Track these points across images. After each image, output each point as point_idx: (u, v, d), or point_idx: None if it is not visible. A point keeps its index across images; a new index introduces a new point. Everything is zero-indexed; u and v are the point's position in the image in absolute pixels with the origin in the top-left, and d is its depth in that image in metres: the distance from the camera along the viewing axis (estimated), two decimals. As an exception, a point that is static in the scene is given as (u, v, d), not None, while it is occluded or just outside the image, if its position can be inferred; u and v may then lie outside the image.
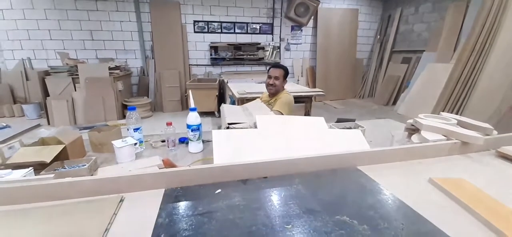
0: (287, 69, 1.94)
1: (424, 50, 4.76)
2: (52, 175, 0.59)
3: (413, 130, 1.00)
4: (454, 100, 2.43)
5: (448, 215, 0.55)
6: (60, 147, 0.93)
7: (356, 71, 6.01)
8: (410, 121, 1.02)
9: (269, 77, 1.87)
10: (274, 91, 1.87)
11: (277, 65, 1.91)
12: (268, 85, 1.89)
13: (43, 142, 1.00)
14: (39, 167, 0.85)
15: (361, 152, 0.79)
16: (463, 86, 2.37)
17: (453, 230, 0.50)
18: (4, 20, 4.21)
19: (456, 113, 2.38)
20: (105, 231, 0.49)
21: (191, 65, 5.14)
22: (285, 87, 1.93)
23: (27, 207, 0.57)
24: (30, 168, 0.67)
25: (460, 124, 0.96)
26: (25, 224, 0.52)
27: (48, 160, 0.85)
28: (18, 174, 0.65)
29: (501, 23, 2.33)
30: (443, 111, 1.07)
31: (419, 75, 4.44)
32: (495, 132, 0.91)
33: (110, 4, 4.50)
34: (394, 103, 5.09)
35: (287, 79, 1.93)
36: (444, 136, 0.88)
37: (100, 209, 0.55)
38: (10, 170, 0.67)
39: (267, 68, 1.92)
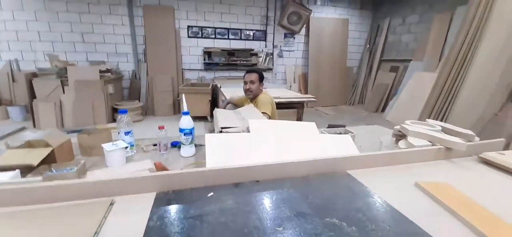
0: (262, 73, 2.02)
1: (411, 59, 4.93)
2: (40, 178, 0.58)
3: (400, 136, 1.04)
4: (439, 107, 2.53)
5: (433, 218, 0.58)
6: (48, 150, 0.91)
7: (346, 78, 6.15)
8: (397, 127, 1.06)
9: (245, 82, 1.95)
10: (252, 96, 1.94)
11: (251, 70, 1.99)
12: (246, 91, 1.96)
13: (29, 145, 0.98)
14: (26, 170, 0.83)
15: (350, 156, 0.81)
16: (447, 94, 2.47)
17: (437, 232, 0.52)
18: (-9, 20, 4.10)
19: (441, 120, 2.47)
20: (94, 234, 0.48)
21: (184, 69, 5.13)
22: (262, 89, 2.01)
23: (14, 210, 0.55)
24: (17, 170, 0.66)
25: (445, 130, 1.00)
26: (12, 227, 0.51)
27: (35, 163, 0.83)
28: (5, 176, 0.63)
29: (482, 34, 2.45)
30: (428, 118, 1.12)
31: (406, 83, 4.58)
32: (477, 138, 0.96)
33: (103, 8, 4.46)
34: (383, 110, 5.22)
35: (263, 82, 2.01)
36: (429, 141, 0.92)
37: (89, 213, 0.55)
38: (-5, 173, 0.65)
39: (243, 75, 2.01)
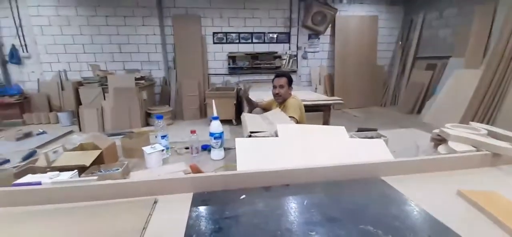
0: (290, 76, 2.00)
1: (450, 56, 4.53)
2: (96, 178, 0.65)
3: (440, 140, 0.98)
4: (485, 108, 2.28)
5: (479, 229, 0.54)
6: (98, 152, 1.02)
7: (377, 78, 5.84)
8: (436, 131, 0.99)
9: (274, 86, 1.95)
10: (281, 100, 1.94)
11: (280, 74, 1.98)
12: (275, 95, 1.96)
13: (81, 147, 1.10)
14: (79, 170, 0.94)
15: (384, 162, 0.78)
16: (493, 94, 2.23)
17: (484, 244, 0.48)
18: (43, 35, 4.66)
19: (487, 123, 2.24)
20: (143, 230, 0.54)
21: (210, 74, 5.31)
22: (291, 93, 1.99)
23: (75, 205, 0.64)
24: (75, 170, 0.75)
25: (491, 134, 0.92)
26: (74, 221, 0.58)
27: (88, 164, 0.94)
28: (65, 176, 0.72)
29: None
30: (472, 121, 1.03)
31: (445, 82, 4.22)
32: (531, 143, 0.86)
33: (137, 20, 4.82)
34: (419, 111, 4.86)
35: (292, 85, 1.99)
36: (474, 147, 0.85)
37: (137, 209, 0.61)
38: (57, 172, 0.75)
39: (272, 79, 2.01)
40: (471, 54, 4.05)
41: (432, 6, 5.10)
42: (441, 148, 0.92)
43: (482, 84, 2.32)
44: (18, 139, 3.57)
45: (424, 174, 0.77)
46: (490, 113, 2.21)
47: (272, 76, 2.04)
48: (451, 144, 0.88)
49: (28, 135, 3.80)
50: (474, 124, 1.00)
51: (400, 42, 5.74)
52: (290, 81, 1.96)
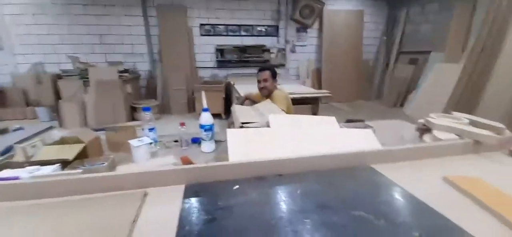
0: (274, 69, 2.02)
1: (431, 51, 4.72)
2: (81, 171, 0.62)
3: (425, 130, 1.01)
4: (465, 100, 2.40)
5: (465, 212, 0.56)
6: (81, 145, 0.97)
7: (362, 72, 5.98)
8: (422, 120, 1.03)
9: (259, 81, 1.97)
10: (267, 93, 1.95)
11: (263, 68, 2.00)
12: (260, 89, 1.98)
13: (63, 141, 1.04)
14: (62, 164, 0.89)
15: (374, 150, 0.80)
16: (473, 86, 2.35)
17: (471, 226, 0.50)
18: (16, 25, 4.34)
19: (468, 113, 2.36)
20: (133, 222, 0.51)
21: (198, 67, 5.20)
22: (276, 86, 2.02)
23: (59, 200, 0.60)
24: (58, 164, 0.71)
25: (472, 123, 0.96)
26: (59, 216, 0.55)
27: (70, 158, 0.89)
28: (47, 170, 0.68)
29: (510, 21, 2.30)
30: (454, 111, 1.08)
31: (427, 76, 4.39)
32: (507, 131, 0.91)
33: (118, 9, 4.60)
34: (402, 104, 5.05)
35: (276, 78, 2.01)
36: (457, 135, 0.89)
37: (126, 203, 0.58)
38: (38, 166, 0.71)
39: (256, 73, 2.03)
40: (451, 49, 4.23)
41: (415, 2, 5.26)
42: (426, 137, 0.96)
43: (463, 76, 2.43)
44: (-9, 135, 3.34)
45: (411, 161, 0.80)
46: (470, 103, 2.33)
47: (261, 70, 2.04)
48: (436, 133, 0.91)
49: (3, 131, 3.53)
50: (456, 114, 1.04)
51: (384, 37, 5.89)
52: (274, 74, 1.98)
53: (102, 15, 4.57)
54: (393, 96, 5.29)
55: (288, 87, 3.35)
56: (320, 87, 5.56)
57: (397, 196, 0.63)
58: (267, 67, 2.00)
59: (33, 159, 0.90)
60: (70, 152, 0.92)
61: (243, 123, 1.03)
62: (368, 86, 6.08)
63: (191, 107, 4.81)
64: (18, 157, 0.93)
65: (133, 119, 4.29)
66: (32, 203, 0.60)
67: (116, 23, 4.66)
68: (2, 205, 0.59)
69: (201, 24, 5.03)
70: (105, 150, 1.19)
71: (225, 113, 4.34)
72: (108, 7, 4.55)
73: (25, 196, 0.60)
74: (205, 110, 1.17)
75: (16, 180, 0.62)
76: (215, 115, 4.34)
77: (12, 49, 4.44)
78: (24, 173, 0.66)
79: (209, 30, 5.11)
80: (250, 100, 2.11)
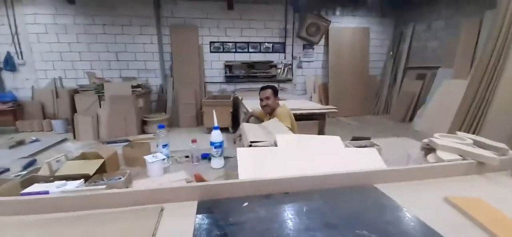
0: (275, 87, 2.11)
1: (439, 66, 4.71)
2: (104, 186, 0.68)
3: (429, 149, 1.03)
4: (471, 118, 2.39)
5: (464, 234, 0.58)
6: (101, 161, 1.04)
7: (369, 87, 5.99)
8: (426, 140, 1.05)
9: (261, 99, 2.04)
10: (270, 110, 2.02)
11: (264, 87, 2.08)
12: (263, 107, 2.05)
13: (83, 156, 1.12)
14: (83, 179, 0.96)
15: (377, 170, 0.83)
16: (478, 104, 2.34)
17: (468, 246, 0.53)
18: (39, 43, 4.65)
19: (473, 131, 2.33)
20: (152, 236, 0.56)
21: (207, 82, 5.36)
22: (279, 103, 2.08)
23: (83, 214, 0.66)
24: (82, 179, 0.77)
25: (476, 143, 0.98)
26: (82, 229, 0.61)
27: (91, 173, 0.96)
28: (72, 185, 0.75)
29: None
30: (460, 129, 1.10)
31: (435, 91, 4.37)
32: (511, 152, 0.93)
33: (134, 29, 4.87)
34: (411, 119, 5.00)
35: (278, 95, 2.09)
36: (460, 156, 0.91)
37: (145, 217, 0.63)
38: (64, 181, 0.78)
39: (258, 93, 2.10)
40: (459, 65, 4.22)
41: (421, 19, 5.31)
42: (430, 157, 0.98)
43: (469, 93, 2.43)
44: (11, 147, 3.52)
45: (414, 181, 0.82)
46: (476, 122, 2.32)
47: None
48: (439, 153, 0.94)
49: (20, 143, 3.74)
50: (460, 134, 1.06)
51: (391, 53, 5.92)
52: (275, 92, 2.06)
53: (119, 34, 4.84)
54: (401, 111, 5.25)
55: (295, 102, 3.41)
56: (327, 102, 5.59)
57: (399, 216, 0.66)
58: (268, 86, 2.09)
59: (57, 174, 0.98)
60: (91, 167, 0.99)
61: (252, 142, 1.08)
62: (375, 101, 6.06)
63: (200, 121, 4.92)
64: (44, 171, 1.01)
65: (143, 132, 4.41)
66: (60, 216, 0.66)
67: (131, 41, 4.91)
68: (34, 217, 0.65)
69: (211, 42, 5.23)
70: (121, 164, 1.26)
71: (232, 127, 4.41)
72: (125, 27, 4.83)
73: (54, 209, 0.67)
74: (216, 128, 1.23)
75: (47, 195, 0.69)
76: (223, 129, 4.43)
77: (34, 65, 4.73)
78: (53, 188, 0.73)
79: (219, 47, 5.30)
80: (255, 117, 2.18)
